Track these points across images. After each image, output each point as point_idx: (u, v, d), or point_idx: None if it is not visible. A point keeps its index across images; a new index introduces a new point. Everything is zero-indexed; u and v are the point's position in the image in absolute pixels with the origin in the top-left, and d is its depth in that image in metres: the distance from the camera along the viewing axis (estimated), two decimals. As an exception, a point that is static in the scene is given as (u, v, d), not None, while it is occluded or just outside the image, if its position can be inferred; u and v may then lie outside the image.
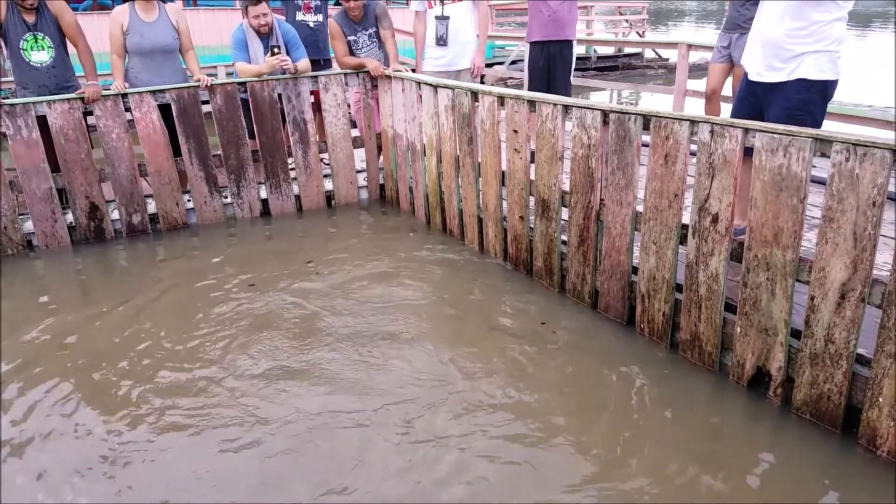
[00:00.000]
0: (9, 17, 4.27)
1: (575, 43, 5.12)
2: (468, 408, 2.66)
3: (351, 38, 5.10)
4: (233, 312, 3.55)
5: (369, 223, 5.05)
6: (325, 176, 5.28)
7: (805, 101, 2.84)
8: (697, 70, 9.19)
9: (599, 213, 3.28)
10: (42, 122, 4.39)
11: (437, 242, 4.55)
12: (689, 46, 6.01)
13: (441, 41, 4.97)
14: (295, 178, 5.16)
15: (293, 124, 4.99)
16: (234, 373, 2.97)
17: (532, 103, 3.55)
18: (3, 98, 4.41)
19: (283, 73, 4.83)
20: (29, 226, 4.57)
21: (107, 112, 4.49)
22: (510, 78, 11.67)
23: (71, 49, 4.56)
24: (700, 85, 5.51)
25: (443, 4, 4.94)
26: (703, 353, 2.87)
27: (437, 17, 4.96)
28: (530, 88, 5.08)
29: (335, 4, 5.34)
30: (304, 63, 4.93)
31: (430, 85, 4.39)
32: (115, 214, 4.75)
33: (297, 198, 5.20)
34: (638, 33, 19.00)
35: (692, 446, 2.43)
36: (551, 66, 5.00)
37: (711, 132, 2.64)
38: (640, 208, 3.05)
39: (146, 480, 2.33)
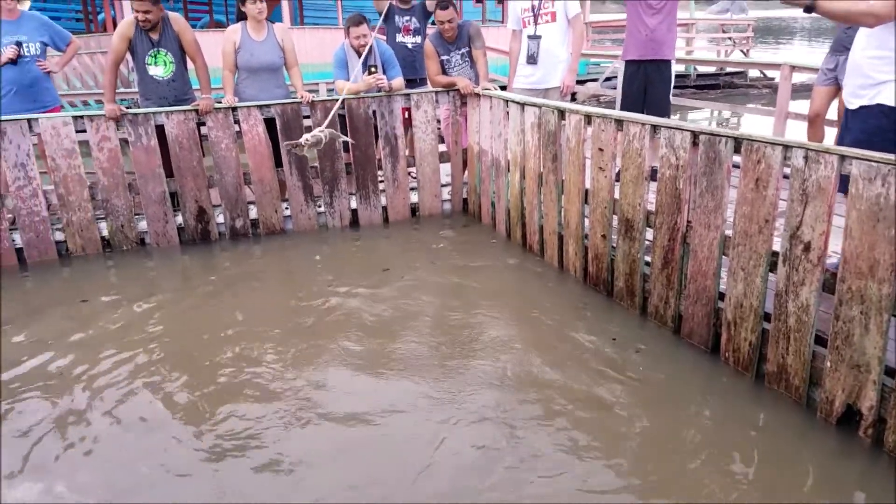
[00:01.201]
0: (136, 34, 4.74)
1: (674, 62, 5.02)
2: (542, 425, 2.69)
3: (444, 57, 5.28)
4: (319, 310, 3.76)
5: (450, 235, 5.18)
6: (412, 189, 5.47)
7: (881, 128, 2.71)
8: (804, 90, 8.76)
9: (686, 236, 3.23)
10: (160, 130, 4.82)
11: (515, 257, 4.61)
12: (793, 68, 5.78)
13: (531, 59, 5.05)
14: (383, 190, 5.37)
15: (385, 139, 5.21)
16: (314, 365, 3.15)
17: (619, 122, 3.56)
18: (127, 108, 4.88)
19: (379, 90, 5.06)
20: (143, 225, 5.01)
21: (218, 124, 4.88)
22: (602, 95, 11.57)
23: (189, 64, 4.99)
24: (805, 107, 5.29)
25: (535, 24, 5.02)
26: (791, 387, 2.76)
27: (528, 36, 5.05)
28: (623, 107, 5.04)
29: (432, 24, 5.54)
30: (398, 81, 5.14)
31: (517, 103, 4.48)
32: (220, 218, 5.13)
33: (384, 209, 5.41)
34: (742, 51, 18.27)
35: (778, 485, 2.35)
36: (648, 86, 4.92)
37: (805, 158, 2.56)
38: (728, 232, 2.99)
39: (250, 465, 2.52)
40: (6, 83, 4.81)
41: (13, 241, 4.74)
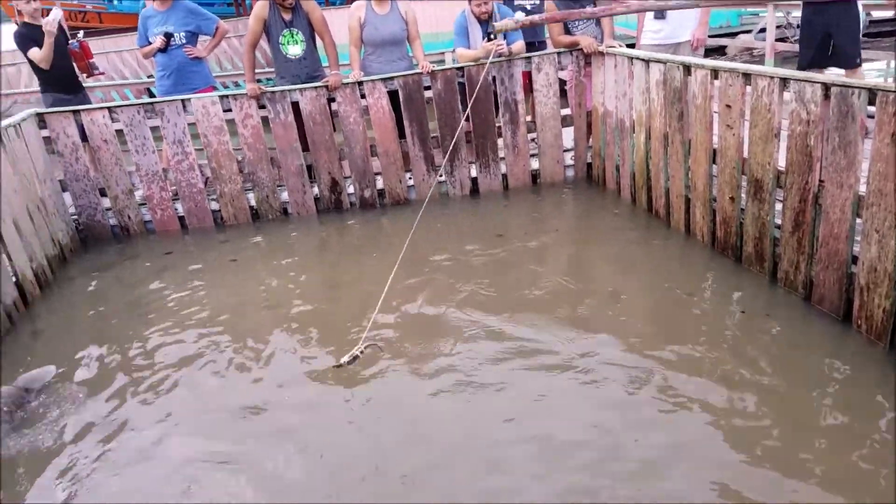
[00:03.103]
0: (271, 15, 5.25)
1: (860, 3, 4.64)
2: (659, 397, 2.80)
3: (567, 15, 5.29)
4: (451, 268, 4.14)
5: (572, 202, 5.27)
6: (532, 155, 5.60)
7: None
8: None
9: (818, 196, 3.12)
10: (295, 107, 5.34)
11: (640, 222, 4.62)
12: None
13: (659, 14, 4.95)
14: (503, 158, 5.56)
15: (504, 105, 5.37)
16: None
17: (747, 76, 3.47)
18: (266, 86, 5.44)
19: (500, 56, 5.21)
20: (284, 196, 5.61)
21: (346, 98, 5.31)
22: (755, 48, 10.80)
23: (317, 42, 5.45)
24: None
25: (663, -25, 4.90)
26: (929, 357, 2.64)
27: (656, -11, 4.94)
28: (802, 59, 4.77)
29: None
30: (518, 45, 5.26)
31: (642, 59, 4.45)
32: (351, 189, 5.60)
33: (504, 176, 5.60)
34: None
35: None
36: (833, 32, 4.60)
37: (952, 106, 2.41)
38: (862, 192, 2.86)
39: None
40: (161, 68, 5.55)
41: (176, 209, 5.53)
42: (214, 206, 5.58)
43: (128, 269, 4.85)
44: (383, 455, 2.60)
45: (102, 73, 7.44)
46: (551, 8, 5.30)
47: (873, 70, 11.22)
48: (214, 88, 5.97)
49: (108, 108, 5.26)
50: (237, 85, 10.68)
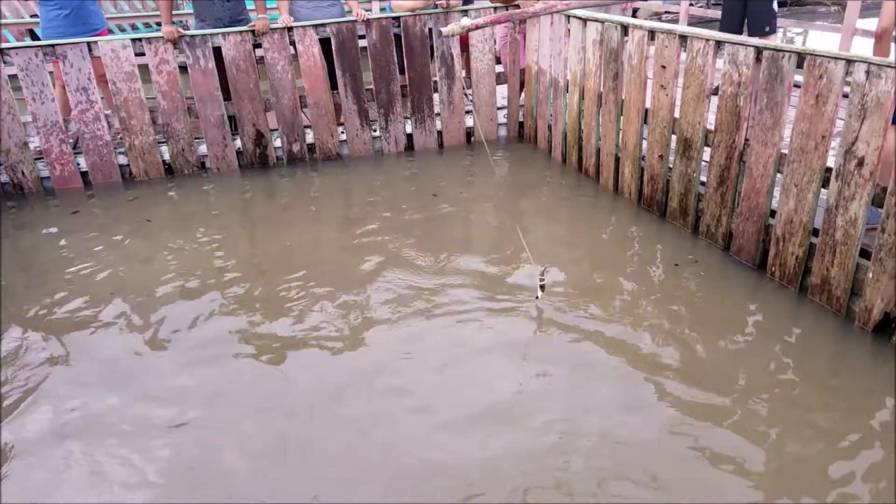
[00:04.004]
0: (191, -50, 5.03)
1: None
2: (582, 337, 3.06)
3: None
4: (376, 231, 4.18)
5: (505, 160, 5.46)
6: (467, 112, 5.73)
7: None
8: (875, 7, 8.45)
9: (743, 154, 3.45)
10: (216, 53, 5.17)
11: (570, 181, 4.89)
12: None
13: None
14: (438, 114, 5.65)
15: (440, 59, 5.45)
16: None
17: (684, 38, 3.73)
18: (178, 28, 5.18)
19: (436, 7, 5.26)
20: (203, 149, 5.45)
21: (274, 45, 5.20)
22: (666, 12, 11.33)
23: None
24: (874, 24, 5.27)
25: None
26: (832, 298, 3.04)
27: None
28: (721, 25, 5.06)
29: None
30: (455, -3, 5.33)
31: (580, 18, 4.63)
32: (278, 142, 5.52)
33: (440, 133, 5.70)
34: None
35: (812, 382, 2.67)
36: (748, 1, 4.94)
37: (867, 72, 2.74)
38: (784, 150, 3.20)
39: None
40: (54, 6, 5.15)
41: (78, 164, 5.23)
42: (123, 160, 5.33)
43: (23, 233, 4.49)
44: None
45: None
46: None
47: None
48: (110, 31, 5.64)
49: (0, 49, 4.86)
50: (135, 28, 10.08)
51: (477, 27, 3.20)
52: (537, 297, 3.21)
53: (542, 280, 3.19)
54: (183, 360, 3.03)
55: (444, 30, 3.06)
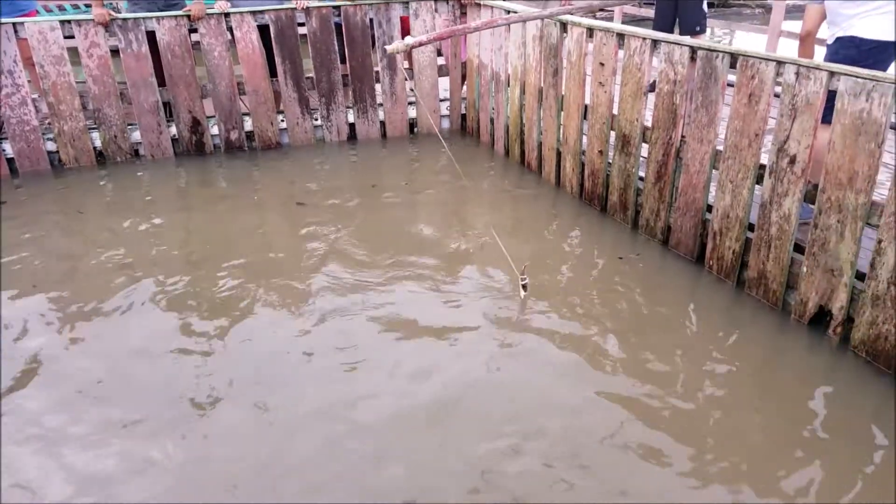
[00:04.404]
0: (123, -66, 4.76)
1: None
2: (528, 332, 3.05)
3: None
4: (323, 223, 4.06)
5: (447, 152, 5.40)
6: (410, 103, 5.64)
7: (850, 58, 2.97)
8: (797, 11, 8.83)
9: (679, 150, 3.50)
10: (150, 37, 4.92)
11: (513, 174, 4.88)
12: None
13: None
14: (381, 104, 5.54)
15: (383, 50, 5.33)
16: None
17: (621, 36, 3.75)
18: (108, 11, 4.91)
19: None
20: (136, 136, 5.19)
21: (210, 30, 4.98)
22: (601, 9, 11.49)
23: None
24: (798, 27, 5.47)
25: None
26: (769, 291, 3.12)
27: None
28: (654, 24, 5.13)
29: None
30: (396, -13, 5.23)
31: (519, 13, 4.61)
32: (215, 130, 5.31)
33: (382, 123, 5.60)
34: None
35: (751, 376, 2.72)
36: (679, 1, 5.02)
37: (797, 74, 2.80)
38: (719, 147, 3.26)
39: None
40: None
41: (3, 150, 4.91)
42: (52, 146, 5.04)
43: None
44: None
45: None
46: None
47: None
48: (37, 13, 5.31)
49: (-82, 27, 4.51)
50: (62, 9, 9.51)
51: (421, 44, 3.13)
52: (521, 297, 3.20)
53: (523, 279, 3.18)
54: (112, 354, 2.86)
55: (389, 48, 2.98)
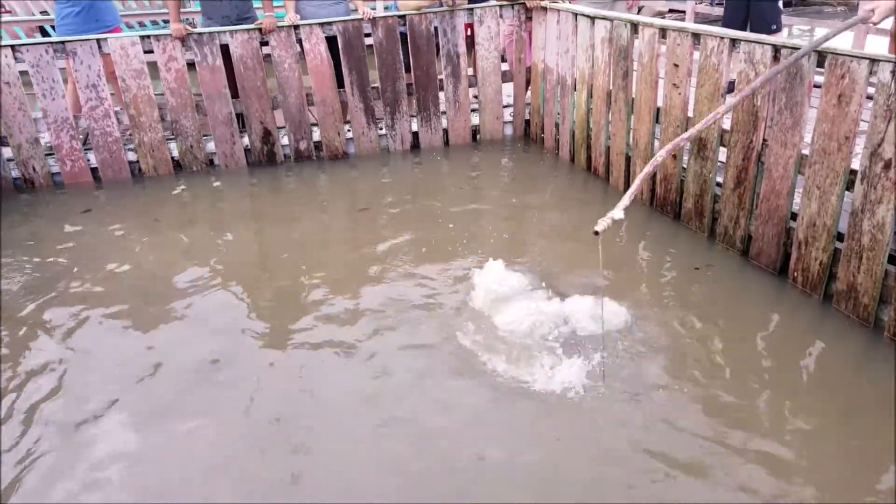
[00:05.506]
0: (199, -50, 4.86)
1: None
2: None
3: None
4: (388, 230, 4.03)
5: (512, 159, 5.28)
6: (473, 110, 5.55)
7: None
8: None
9: (761, 155, 3.28)
10: (224, 50, 5.01)
11: (579, 181, 4.71)
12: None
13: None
14: (444, 112, 5.47)
15: (446, 58, 5.27)
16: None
17: (696, 36, 3.55)
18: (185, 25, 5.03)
19: (441, 5, 5.08)
20: (211, 146, 5.29)
21: (280, 43, 5.03)
22: (670, 11, 11.13)
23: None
24: (889, 22, 5.07)
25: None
26: (859, 305, 2.86)
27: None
28: (724, 23, 4.90)
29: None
30: (461, -5, 5.15)
31: (588, 16, 4.46)
32: (285, 140, 5.35)
33: (445, 131, 5.53)
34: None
35: (840, 396, 2.51)
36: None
37: (893, 72, 2.56)
38: (805, 151, 3.03)
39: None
40: (67, 4, 5.00)
41: (88, 160, 5.10)
42: (132, 156, 5.20)
43: (38, 230, 4.36)
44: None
45: (8, 12, 6.65)
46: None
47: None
48: (121, 29, 5.49)
49: (12, 46, 4.73)
50: (142, 25, 9.90)
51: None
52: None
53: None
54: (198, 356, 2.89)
55: (598, 227, 2.55)
